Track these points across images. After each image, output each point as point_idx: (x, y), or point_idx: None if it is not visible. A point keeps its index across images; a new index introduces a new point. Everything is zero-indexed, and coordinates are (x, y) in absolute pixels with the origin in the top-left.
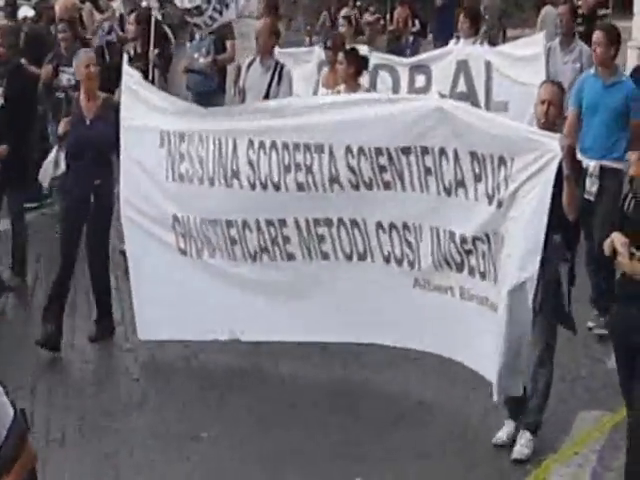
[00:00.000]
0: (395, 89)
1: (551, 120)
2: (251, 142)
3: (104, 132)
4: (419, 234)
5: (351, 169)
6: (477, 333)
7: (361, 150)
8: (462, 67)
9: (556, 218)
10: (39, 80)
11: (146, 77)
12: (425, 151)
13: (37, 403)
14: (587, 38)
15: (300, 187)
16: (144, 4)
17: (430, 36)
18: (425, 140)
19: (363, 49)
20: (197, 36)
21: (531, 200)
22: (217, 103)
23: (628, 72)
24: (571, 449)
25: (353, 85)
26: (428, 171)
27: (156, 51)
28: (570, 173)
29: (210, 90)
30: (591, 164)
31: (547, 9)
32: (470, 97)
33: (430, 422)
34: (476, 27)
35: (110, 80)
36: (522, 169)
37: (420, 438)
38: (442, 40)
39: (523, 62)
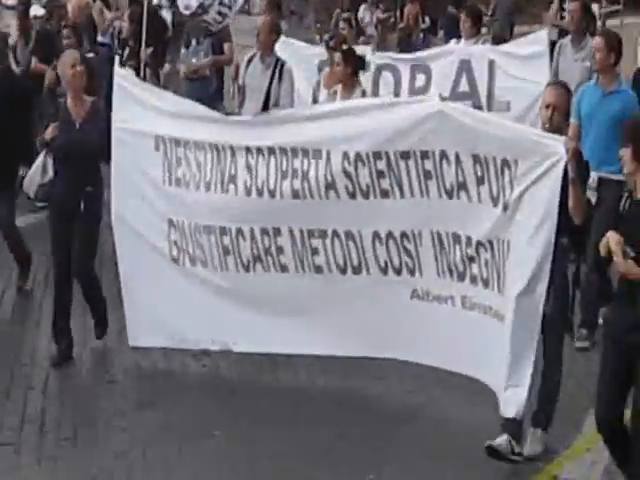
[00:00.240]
0: (397, 89)
1: (556, 125)
2: (248, 148)
3: (94, 136)
4: (419, 241)
5: (348, 175)
6: (480, 343)
7: (359, 156)
8: (464, 66)
9: (563, 222)
10: (37, 82)
11: (137, 75)
12: (425, 155)
13: (48, 402)
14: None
15: (295, 194)
16: (155, 1)
17: (441, 33)
18: (426, 144)
19: (366, 50)
20: (193, 41)
21: (538, 204)
22: (215, 109)
23: None
24: (583, 445)
25: (350, 85)
26: (428, 175)
27: (149, 50)
28: (576, 176)
29: (209, 96)
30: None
31: None
32: (472, 97)
33: (440, 421)
34: (478, 27)
35: None
36: (527, 172)
37: (430, 436)
38: (453, 37)
39: (527, 60)
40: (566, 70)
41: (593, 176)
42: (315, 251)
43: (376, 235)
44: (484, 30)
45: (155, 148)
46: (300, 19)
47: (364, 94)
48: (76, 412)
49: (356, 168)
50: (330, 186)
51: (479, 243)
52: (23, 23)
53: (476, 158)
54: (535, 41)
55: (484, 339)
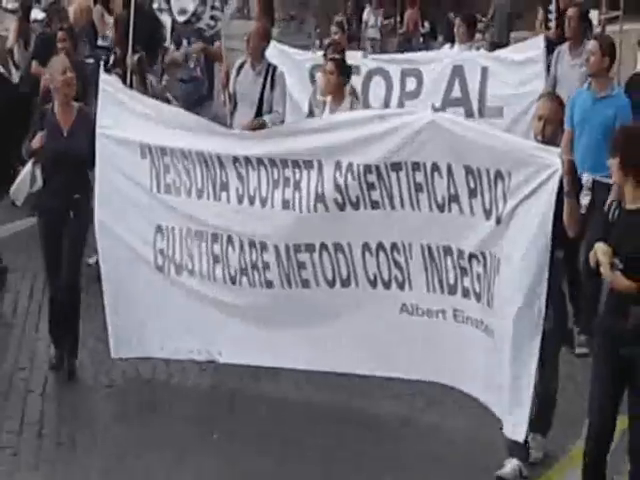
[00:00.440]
0: (387, 94)
1: (548, 137)
2: (236, 158)
3: (82, 143)
4: (409, 253)
5: (337, 187)
6: (472, 357)
7: (350, 167)
8: (457, 72)
9: (558, 235)
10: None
11: (124, 83)
12: (416, 167)
13: (47, 406)
14: (561, 38)
15: (285, 204)
16: (155, 6)
17: (441, 38)
18: (417, 155)
19: (356, 55)
20: (184, 42)
21: (533, 218)
22: (206, 110)
23: None
24: (582, 450)
25: (339, 96)
26: (419, 187)
27: (135, 57)
28: (571, 189)
29: (200, 97)
30: (584, 177)
31: None
32: (464, 103)
33: (440, 424)
34: (472, 32)
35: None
36: (521, 184)
37: (432, 441)
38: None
39: (521, 66)
40: (564, 76)
41: (588, 177)
42: (302, 265)
43: (366, 247)
44: (478, 36)
45: (141, 155)
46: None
47: (353, 104)
48: (75, 416)
49: (346, 180)
50: (320, 197)
51: (471, 255)
52: (22, 26)
53: (469, 170)
54: (531, 47)
55: (476, 354)
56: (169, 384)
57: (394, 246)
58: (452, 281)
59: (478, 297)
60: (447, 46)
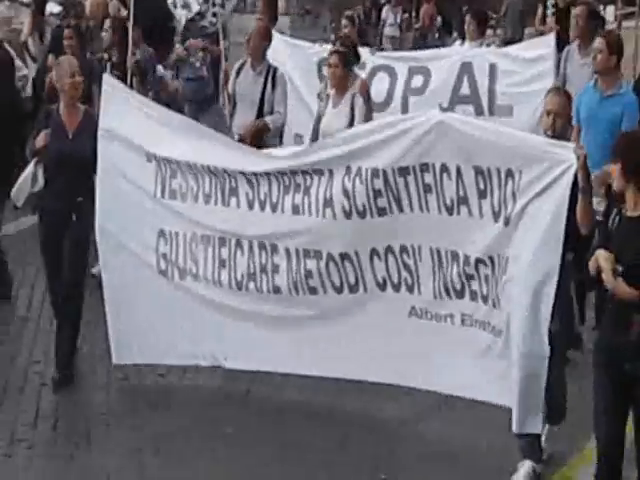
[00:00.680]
0: (391, 88)
1: (559, 132)
2: (243, 172)
3: (87, 146)
4: (418, 256)
5: (345, 192)
6: (478, 360)
7: (359, 171)
8: (466, 69)
9: (569, 235)
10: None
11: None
12: (425, 168)
13: (62, 400)
14: (559, 35)
15: (295, 210)
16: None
17: (455, 34)
18: (426, 156)
19: (365, 52)
20: (191, 39)
21: (545, 215)
22: (212, 110)
23: None
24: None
25: (342, 88)
26: (428, 189)
27: (134, 59)
28: (585, 185)
29: (206, 97)
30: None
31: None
32: (473, 100)
33: (441, 426)
34: (482, 29)
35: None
36: (533, 182)
37: (433, 444)
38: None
39: (531, 64)
40: (573, 75)
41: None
42: (309, 274)
43: (374, 252)
44: (490, 32)
45: (147, 159)
46: (315, 18)
47: (354, 98)
48: (89, 409)
49: (354, 185)
50: (328, 203)
51: (478, 260)
52: (35, 20)
53: (478, 170)
54: (540, 45)
55: (482, 356)
56: (183, 378)
57: (403, 248)
58: (458, 287)
59: (485, 299)
60: (458, 43)
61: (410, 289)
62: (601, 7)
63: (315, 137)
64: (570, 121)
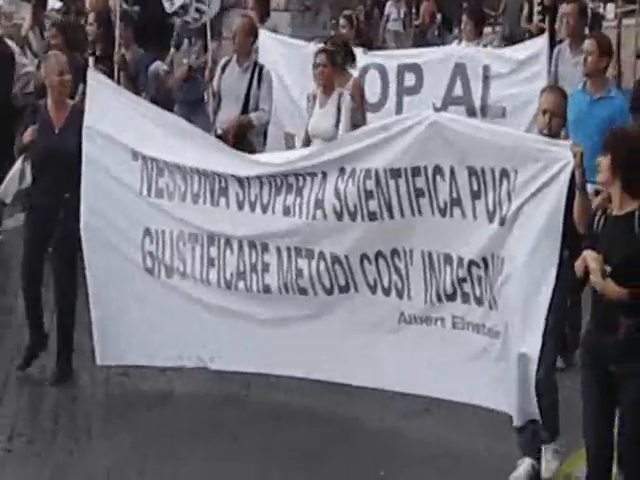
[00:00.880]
0: (384, 88)
1: (555, 130)
2: (234, 176)
3: (74, 142)
4: (409, 259)
5: (337, 193)
6: (473, 363)
7: (353, 172)
8: (459, 70)
9: (567, 233)
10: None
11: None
12: (417, 172)
13: (62, 396)
14: (540, 31)
15: (286, 211)
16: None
17: (456, 31)
18: (419, 159)
19: (358, 52)
20: (185, 42)
21: (542, 214)
22: (204, 111)
23: None
24: None
25: (329, 88)
26: (420, 193)
27: (122, 52)
28: (583, 183)
29: (198, 98)
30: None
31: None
32: (465, 101)
33: (438, 429)
34: (479, 29)
35: None
36: (529, 181)
37: (430, 446)
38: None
39: (524, 65)
40: (565, 75)
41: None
42: (300, 272)
43: (364, 256)
44: (489, 30)
45: (133, 157)
46: (315, 15)
47: (341, 97)
48: (90, 404)
49: (346, 186)
50: (319, 204)
51: (471, 262)
52: (36, 14)
53: (472, 171)
54: (533, 46)
55: (475, 358)
56: (183, 374)
57: (394, 252)
58: (450, 291)
59: (479, 301)
60: (455, 42)
61: (400, 294)
62: (601, 5)
63: (307, 140)
64: (565, 119)
